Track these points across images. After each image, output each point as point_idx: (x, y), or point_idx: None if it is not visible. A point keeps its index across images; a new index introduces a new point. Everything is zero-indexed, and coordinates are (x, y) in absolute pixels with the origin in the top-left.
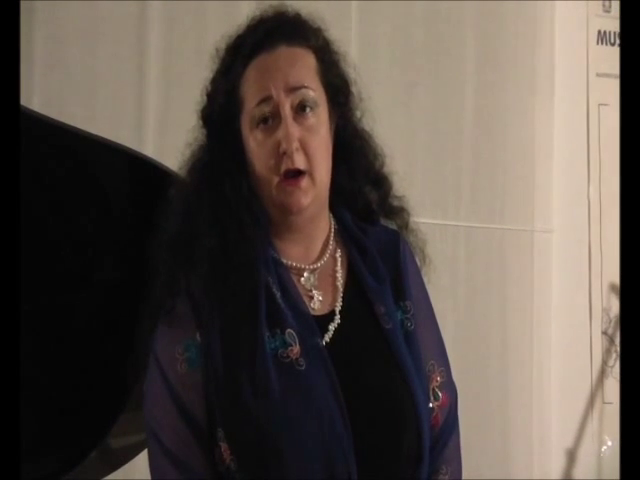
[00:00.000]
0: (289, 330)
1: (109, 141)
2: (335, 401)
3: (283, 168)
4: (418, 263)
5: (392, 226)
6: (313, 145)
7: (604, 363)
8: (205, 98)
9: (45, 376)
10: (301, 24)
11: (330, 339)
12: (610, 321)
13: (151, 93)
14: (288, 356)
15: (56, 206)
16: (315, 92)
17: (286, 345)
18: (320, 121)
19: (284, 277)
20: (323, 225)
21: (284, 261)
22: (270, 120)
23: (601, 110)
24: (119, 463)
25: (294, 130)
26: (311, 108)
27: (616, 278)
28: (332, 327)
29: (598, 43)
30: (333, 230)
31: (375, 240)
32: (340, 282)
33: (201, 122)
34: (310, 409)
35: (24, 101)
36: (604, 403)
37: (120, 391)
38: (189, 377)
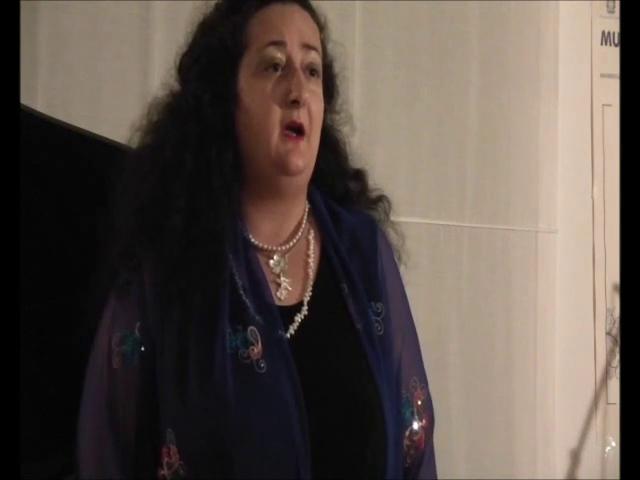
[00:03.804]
0: (251, 327)
1: (113, 142)
2: (296, 407)
3: (287, 119)
4: (396, 260)
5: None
6: (315, 110)
7: (608, 364)
8: (192, 40)
9: (48, 376)
10: (311, 4)
11: (295, 331)
12: (614, 322)
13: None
14: (249, 356)
15: (59, 207)
16: (320, 60)
17: (247, 344)
18: (320, 91)
19: (252, 261)
20: (300, 203)
21: (254, 241)
22: (279, 68)
23: (605, 111)
24: None
25: (305, 83)
26: (317, 75)
27: None
28: (298, 319)
29: (602, 44)
30: (307, 210)
31: (348, 227)
32: (312, 269)
33: (185, 66)
34: (268, 416)
35: (28, 102)
36: (608, 404)
37: None
38: (123, 373)
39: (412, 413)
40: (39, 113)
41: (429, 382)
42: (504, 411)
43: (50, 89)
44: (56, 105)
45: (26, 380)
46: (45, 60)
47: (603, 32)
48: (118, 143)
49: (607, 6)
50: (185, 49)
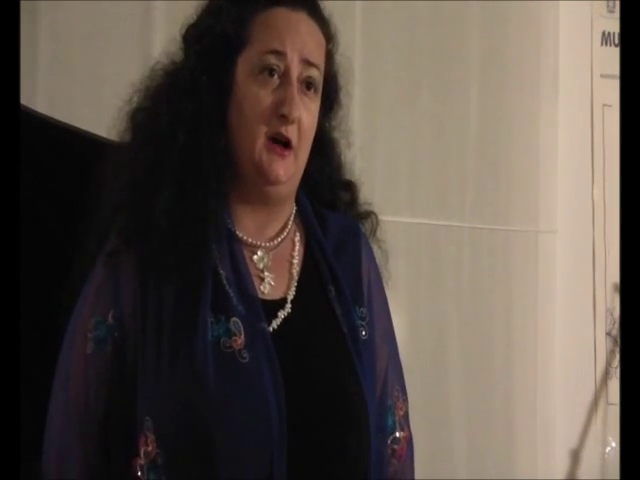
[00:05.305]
0: (234, 318)
1: (113, 142)
2: (275, 399)
3: (274, 130)
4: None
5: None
6: (307, 126)
7: (608, 364)
8: (200, 14)
9: (48, 376)
10: (323, 12)
11: (278, 326)
12: (614, 322)
13: None
14: (231, 346)
15: (59, 207)
16: (320, 76)
17: (230, 334)
18: (316, 106)
19: (236, 253)
20: (286, 208)
21: (238, 234)
22: (275, 75)
23: (605, 111)
24: None
25: (298, 100)
26: (314, 90)
27: None
28: (281, 314)
29: (602, 44)
30: (294, 212)
31: (335, 230)
32: (296, 269)
33: (189, 37)
34: (247, 405)
35: (28, 102)
36: (608, 404)
37: None
38: (94, 359)
39: (394, 422)
40: (39, 113)
41: (428, 381)
42: (504, 411)
43: (50, 89)
44: (56, 105)
45: (26, 380)
46: (45, 60)
47: (603, 32)
48: (118, 143)
49: (607, 6)
50: (193, 20)
